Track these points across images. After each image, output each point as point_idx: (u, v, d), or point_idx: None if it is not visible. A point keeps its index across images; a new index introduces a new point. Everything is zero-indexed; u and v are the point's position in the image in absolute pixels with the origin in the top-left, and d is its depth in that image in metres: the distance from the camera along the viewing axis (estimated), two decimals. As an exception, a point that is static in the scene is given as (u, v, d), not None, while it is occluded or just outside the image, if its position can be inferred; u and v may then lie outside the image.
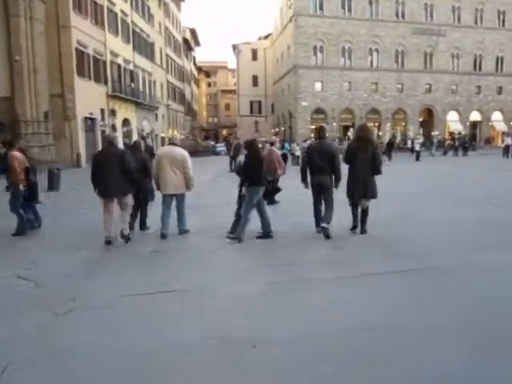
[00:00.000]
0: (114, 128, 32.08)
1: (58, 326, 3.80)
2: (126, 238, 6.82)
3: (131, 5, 36.46)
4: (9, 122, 22.65)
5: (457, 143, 33.70)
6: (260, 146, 23.23)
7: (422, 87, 45.50)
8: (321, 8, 42.06)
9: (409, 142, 35.54)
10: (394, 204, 9.65)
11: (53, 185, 15.19)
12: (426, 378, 2.89)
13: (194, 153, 41.97)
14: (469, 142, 37.01)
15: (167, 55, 50.60)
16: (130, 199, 7.18)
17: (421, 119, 46.72)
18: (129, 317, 3.94)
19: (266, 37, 59.55)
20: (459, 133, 41.68)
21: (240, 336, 3.45)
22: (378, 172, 6.91)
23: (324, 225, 6.84)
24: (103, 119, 30.77)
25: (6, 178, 7.86)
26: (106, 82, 30.93)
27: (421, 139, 31.73)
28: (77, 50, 26.77)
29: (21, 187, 7.60)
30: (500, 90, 47.61)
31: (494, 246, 6.11)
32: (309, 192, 7.29)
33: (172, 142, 7.73)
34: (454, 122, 46.84)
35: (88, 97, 27.61)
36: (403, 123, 46.26)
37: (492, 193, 11.56)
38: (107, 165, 6.76)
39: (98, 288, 4.71)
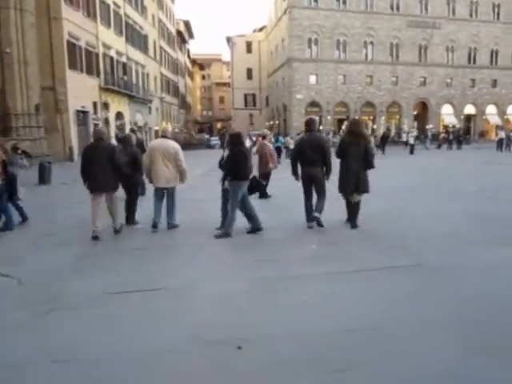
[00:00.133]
0: (107, 121, 31.83)
1: (36, 326, 3.67)
2: (118, 231, 6.98)
3: (124, -4, 36.02)
4: (-1, 115, 22.37)
5: (451, 136, 33.74)
6: (254, 139, 23.02)
7: (417, 80, 45.45)
8: (315, 0, 41.79)
9: (404, 136, 35.51)
10: (388, 198, 9.58)
11: (44, 178, 15.03)
12: (424, 375, 2.81)
13: (187, 146, 41.93)
14: (463, 135, 37.08)
15: (161, 47, 50.16)
16: (118, 194, 7.13)
17: (415, 112, 46.72)
18: (109, 317, 3.80)
19: (261, 29, 59.18)
20: (453, 126, 41.75)
21: (226, 336, 3.33)
22: (371, 166, 6.83)
23: (316, 214, 6.89)
24: (96, 112, 30.46)
25: None
26: (98, 75, 30.58)
27: (415, 132, 31.72)
28: (68, 42, 26.40)
29: None
30: (494, 84, 47.64)
31: (489, 241, 6.04)
32: (299, 184, 7.21)
33: (164, 135, 7.63)
34: (448, 116, 46.88)
35: (80, 90, 27.28)
36: (398, 116, 46.24)
37: (486, 186, 11.52)
38: (96, 159, 6.79)
39: (81, 286, 4.57)
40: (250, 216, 6.82)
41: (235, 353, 3.10)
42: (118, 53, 34.50)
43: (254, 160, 11.37)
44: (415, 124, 44.02)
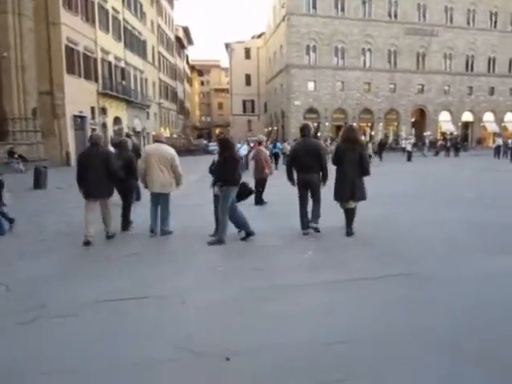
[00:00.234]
0: (104, 126, 31.77)
1: (18, 335, 3.56)
2: (111, 237, 6.94)
3: (123, 2, 36.12)
4: (-5, 120, 22.32)
5: (449, 144, 33.78)
6: (252, 145, 22.92)
7: (415, 87, 45.59)
8: (314, 7, 41.96)
9: (403, 142, 35.57)
10: (385, 205, 9.50)
11: (39, 183, 14.94)
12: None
13: (186, 151, 42.02)
14: (460, 142, 37.11)
15: (159, 53, 50.24)
16: (113, 200, 7.09)
17: (413, 119, 46.81)
18: (97, 326, 3.69)
19: (260, 36, 59.37)
20: (451, 133, 41.85)
21: (214, 347, 3.23)
22: (367, 173, 6.76)
23: (314, 225, 6.92)
24: (94, 117, 30.42)
25: None
26: (96, 80, 30.57)
27: (412, 139, 31.73)
28: (67, 46, 26.41)
29: None
30: (492, 91, 47.82)
31: (486, 249, 5.96)
32: (295, 190, 7.16)
33: (158, 140, 7.54)
34: (445, 123, 46.98)
35: (78, 94, 27.26)
36: (396, 123, 46.31)
37: (483, 193, 11.46)
38: (91, 165, 6.76)
39: (71, 293, 4.47)
40: (238, 223, 6.74)
41: (224, 364, 3.00)
42: (116, 58, 34.52)
43: (251, 166, 11.37)
44: (413, 131, 44.06)
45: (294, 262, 5.50)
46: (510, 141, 28.95)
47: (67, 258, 5.90)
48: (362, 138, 33.54)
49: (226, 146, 6.60)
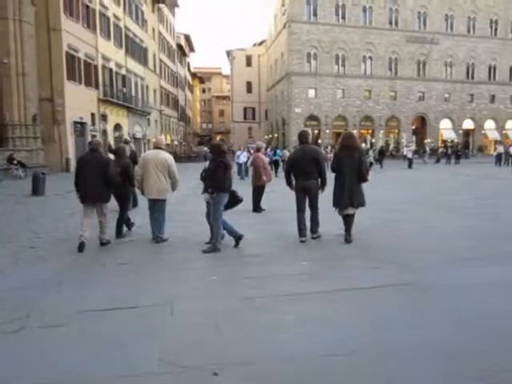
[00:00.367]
0: (105, 133, 31.75)
1: (2, 345, 3.44)
2: (105, 244, 6.88)
3: (124, 9, 36.26)
4: (-5, 126, 22.29)
5: (449, 151, 33.72)
6: (252, 152, 22.86)
7: (415, 95, 45.63)
8: (315, 15, 42.13)
9: (404, 150, 35.52)
10: (384, 211, 9.41)
11: (37, 189, 14.85)
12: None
13: (186, 158, 41.95)
14: (461, 149, 37.06)
15: (161, 60, 50.39)
16: (108, 207, 7.04)
17: (414, 127, 46.82)
18: (82, 337, 3.56)
19: (261, 43, 59.63)
20: (452, 141, 41.86)
21: (202, 361, 3.10)
22: (365, 179, 6.66)
23: (315, 236, 6.98)
24: (94, 124, 30.41)
25: None
26: (97, 87, 30.61)
27: (412, 146, 31.74)
28: (67, 53, 26.46)
29: None
30: (493, 99, 47.85)
31: (486, 258, 5.83)
32: (293, 196, 7.09)
33: (157, 146, 7.44)
34: (446, 130, 46.97)
35: (78, 101, 27.28)
36: (396, 131, 46.31)
37: (484, 202, 11.34)
38: (89, 171, 6.75)
39: (58, 302, 4.36)
40: (226, 228, 6.64)
41: (210, 380, 2.87)
42: (117, 65, 34.59)
43: (251, 173, 11.29)
44: (414, 138, 44.08)
45: (290, 270, 5.37)
46: (511, 148, 28.91)
47: (60, 266, 5.77)
48: (363, 145, 33.53)
49: (218, 152, 6.49)
